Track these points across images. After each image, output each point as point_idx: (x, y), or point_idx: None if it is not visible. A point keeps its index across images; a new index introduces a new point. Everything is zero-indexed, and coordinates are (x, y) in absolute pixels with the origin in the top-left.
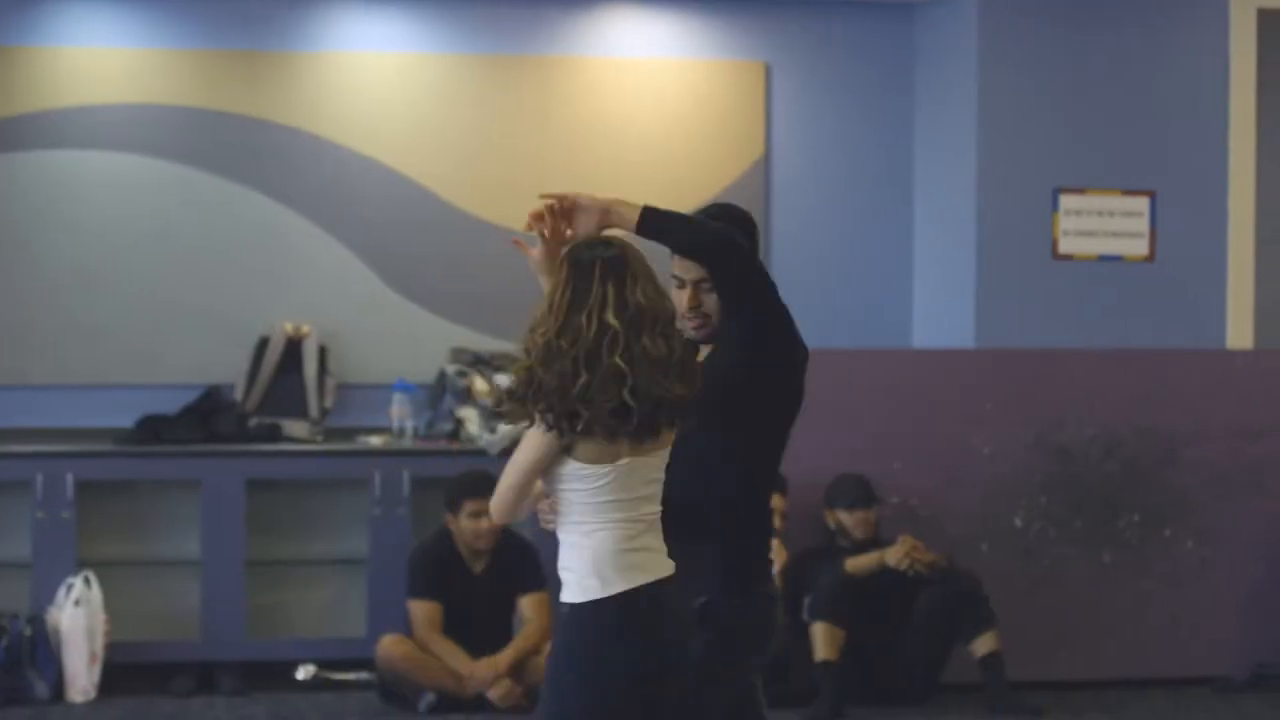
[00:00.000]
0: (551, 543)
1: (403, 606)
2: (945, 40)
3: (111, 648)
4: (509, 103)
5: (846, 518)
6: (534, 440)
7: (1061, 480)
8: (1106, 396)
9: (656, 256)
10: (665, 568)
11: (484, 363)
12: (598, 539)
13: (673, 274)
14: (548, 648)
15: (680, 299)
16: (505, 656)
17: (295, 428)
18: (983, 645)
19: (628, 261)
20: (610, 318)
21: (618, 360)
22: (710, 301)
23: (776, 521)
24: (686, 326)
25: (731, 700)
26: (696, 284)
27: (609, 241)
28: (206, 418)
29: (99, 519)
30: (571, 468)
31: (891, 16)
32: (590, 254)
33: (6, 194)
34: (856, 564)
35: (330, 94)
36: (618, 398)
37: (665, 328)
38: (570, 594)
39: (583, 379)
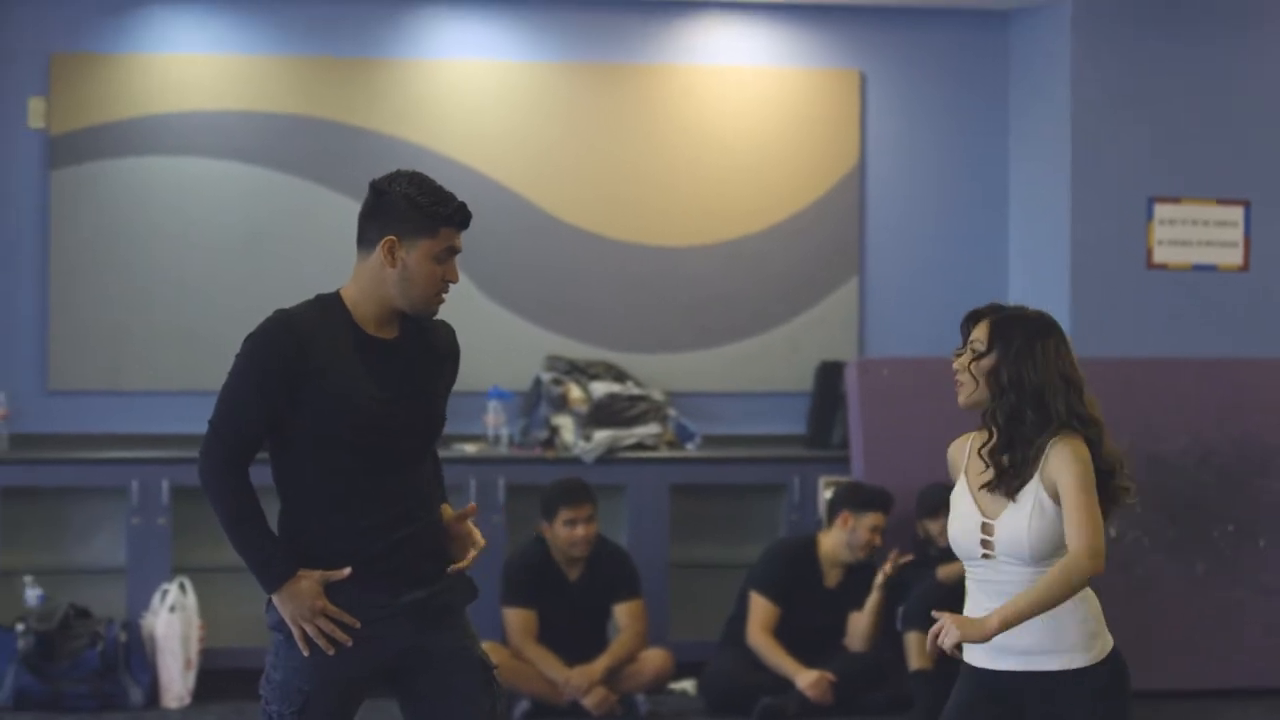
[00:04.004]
0: (645, 549)
1: (497, 614)
2: (1039, 48)
3: (206, 654)
4: (604, 111)
5: (934, 526)
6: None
7: (1156, 490)
8: (1201, 406)
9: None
10: None
11: (579, 370)
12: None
13: (449, 247)
14: (646, 654)
15: (441, 273)
16: (600, 664)
17: None
18: None
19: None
20: None
21: None
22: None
23: (879, 540)
24: (435, 302)
25: None
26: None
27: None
28: None
29: (194, 525)
30: None
31: (986, 24)
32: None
33: (102, 200)
34: (947, 572)
35: (426, 101)
36: None
37: None
38: (1099, 648)
39: None
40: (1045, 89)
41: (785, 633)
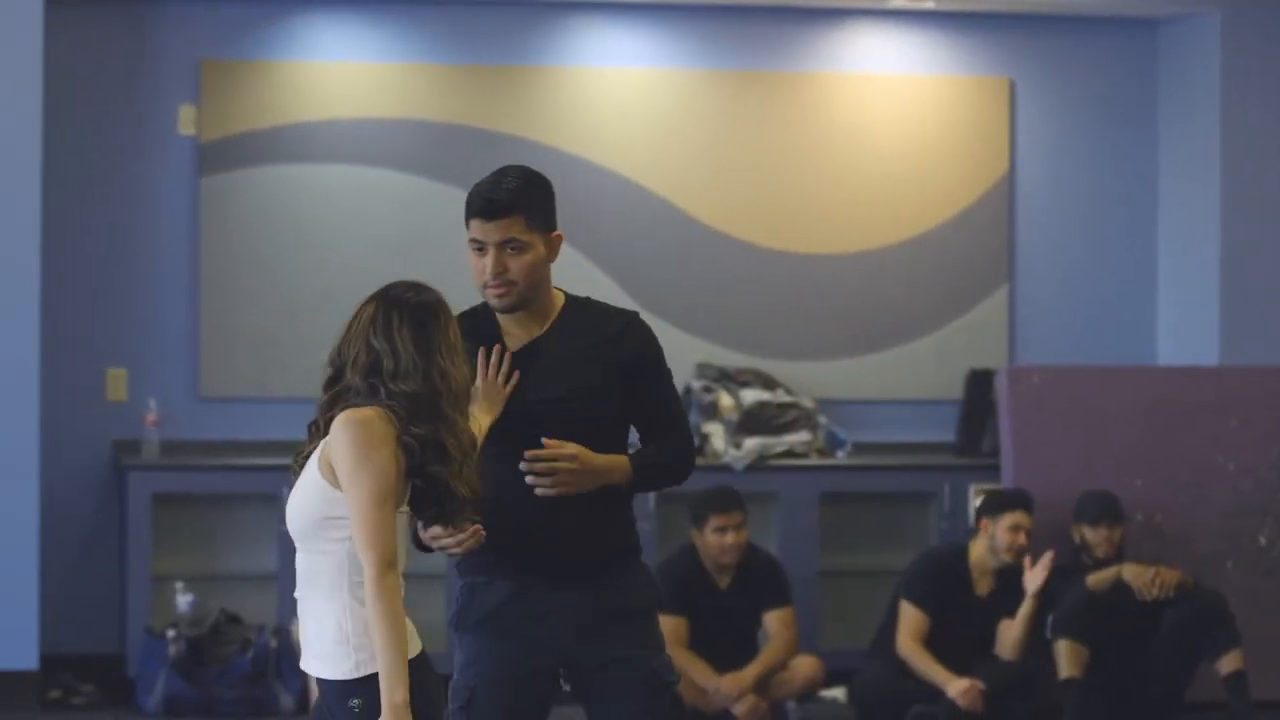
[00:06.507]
0: (795, 557)
1: None
2: (1189, 56)
3: None
4: (752, 118)
5: (1090, 533)
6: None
7: None
8: None
9: None
10: None
11: (729, 378)
12: None
13: (472, 238)
14: (797, 661)
15: (482, 265)
16: (751, 671)
17: None
18: (1228, 664)
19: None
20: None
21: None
22: (516, 265)
23: (1023, 539)
24: (488, 294)
25: None
26: (500, 246)
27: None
28: None
29: None
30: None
31: (1135, 33)
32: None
33: (251, 207)
34: (1098, 579)
35: (573, 108)
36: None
37: None
38: (361, 664)
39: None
40: (1194, 98)
41: (935, 642)
